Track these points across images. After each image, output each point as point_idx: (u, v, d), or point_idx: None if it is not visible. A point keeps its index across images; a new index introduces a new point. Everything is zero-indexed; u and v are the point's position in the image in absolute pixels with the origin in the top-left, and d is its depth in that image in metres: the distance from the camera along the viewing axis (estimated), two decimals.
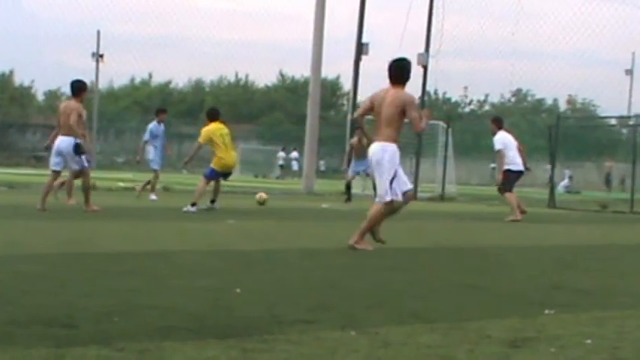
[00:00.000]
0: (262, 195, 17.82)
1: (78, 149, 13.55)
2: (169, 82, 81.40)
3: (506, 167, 16.27)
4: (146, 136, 18.83)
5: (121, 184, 24.18)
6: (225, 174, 15.57)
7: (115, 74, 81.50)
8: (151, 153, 18.83)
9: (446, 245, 10.54)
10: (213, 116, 15.46)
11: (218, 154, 15.06)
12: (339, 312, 5.05)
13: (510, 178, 16.46)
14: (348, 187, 21.79)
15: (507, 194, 16.37)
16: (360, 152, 21.01)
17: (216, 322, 4.57)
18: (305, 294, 5.78)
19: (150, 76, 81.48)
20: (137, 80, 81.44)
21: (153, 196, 18.19)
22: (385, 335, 4.38)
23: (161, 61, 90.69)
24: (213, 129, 15.12)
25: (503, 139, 16.40)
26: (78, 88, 13.87)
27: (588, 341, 4.44)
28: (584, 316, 5.29)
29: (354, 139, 21.79)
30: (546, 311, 5.34)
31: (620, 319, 5.20)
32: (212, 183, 15.26)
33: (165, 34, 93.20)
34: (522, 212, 16.18)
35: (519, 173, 16.63)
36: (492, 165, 28.44)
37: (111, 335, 4.08)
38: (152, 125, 18.82)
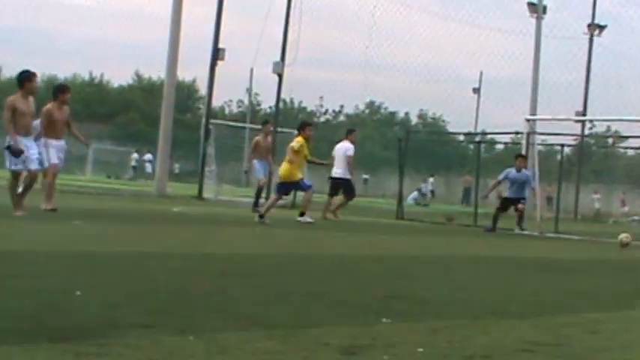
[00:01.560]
0: None
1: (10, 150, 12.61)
2: None
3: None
4: None
5: None
6: (283, 185, 16.61)
7: None
8: None
9: (291, 253, 10.64)
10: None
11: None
12: (179, 317, 5.05)
13: (331, 184, 20.27)
14: (259, 192, 21.25)
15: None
16: (265, 152, 21.13)
17: (53, 325, 4.49)
18: (146, 298, 5.75)
19: None
20: None
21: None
22: (223, 340, 4.41)
23: (13, 56, 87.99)
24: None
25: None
26: (18, 79, 13.02)
27: (420, 349, 4.59)
28: (419, 325, 5.46)
29: (259, 137, 21.49)
30: (384, 320, 5.48)
31: (453, 329, 5.38)
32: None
33: (17, 27, 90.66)
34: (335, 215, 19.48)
35: (335, 180, 20.16)
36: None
37: None
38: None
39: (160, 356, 3.94)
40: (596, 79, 32.01)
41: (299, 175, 16.34)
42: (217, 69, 27.94)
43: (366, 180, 59.20)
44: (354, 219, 20.91)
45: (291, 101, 68.62)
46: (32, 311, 4.84)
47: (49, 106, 14.22)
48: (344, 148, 20.22)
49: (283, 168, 16.40)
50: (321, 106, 77.29)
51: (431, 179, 55.23)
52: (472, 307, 6.63)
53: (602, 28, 33.92)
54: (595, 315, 6.62)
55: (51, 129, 14.13)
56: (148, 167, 54.22)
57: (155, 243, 10.43)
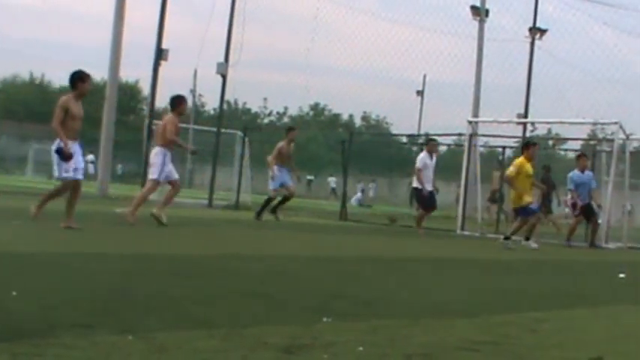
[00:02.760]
0: None
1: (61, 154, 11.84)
2: None
3: None
4: None
5: None
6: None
7: None
8: None
9: (233, 253, 10.61)
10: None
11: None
12: (118, 317, 5.00)
13: None
14: (269, 201, 19.65)
15: None
16: (287, 159, 19.81)
17: None
18: (85, 298, 5.68)
19: None
20: None
21: None
22: (162, 340, 4.37)
23: None
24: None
25: None
26: (71, 79, 12.24)
27: (360, 348, 4.60)
28: (360, 324, 5.47)
29: (283, 143, 19.69)
30: (324, 319, 5.48)
31: (394, 328, 5.41)
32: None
33: None
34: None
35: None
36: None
37: None
38: None
39: (97, 356, 3.90)
40: (537, 81, 32.34)
41: None
42: (161, 70, 27.77)
43: (310, 181, 59.33)
44: (298, 220, 20.92)
45: (236, 102, 68.50)
46: None
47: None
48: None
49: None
50: (265, 107, 77.28)
51: (372, 184, 55.50)
52: (413, 307, 6.68)
53: (543, 31, 34.29)
54: (535, 314, 6.70)
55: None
56: (90, 168, 53.69)
57: (96, 244, 10.32)
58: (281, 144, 19.48)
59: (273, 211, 19.09)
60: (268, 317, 5.53)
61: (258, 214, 18.95)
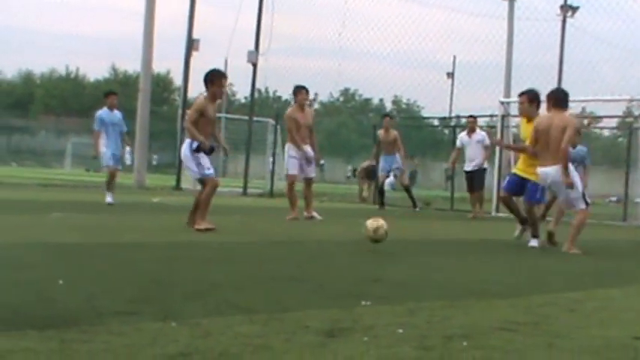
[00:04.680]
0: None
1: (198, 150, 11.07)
2: None
3: None
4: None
5: None
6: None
7: None
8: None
9: (270, 239, 10.69)
10: None
11: None
12: (160, 304, 5.09)
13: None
14: (382, 190, 20.76)
15: None
16: (389, 147, 20.43)
17: (36, 314, 4.53)
18: (128, 286, 5.79)
19: None
20: None
21: None
22: (206, 326, 4.46)
23: None
24: None
25: None
26: (205, 79, 11.32)
27: (400, 331, 4.65)
28: (398, 307, 5.52)
29: (380, 131, 20.73)
30: (363, 302, 5.54)
31: (432, 310, 5.45)
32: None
33: None
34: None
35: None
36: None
37: None
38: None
39: (143, 342, 3.98)
40: (569, 59, 32.15)
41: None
42: (192, 60, 27.96)
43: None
44: (330, 204, 21.00)
45: (266, 90, 68.62)
46: (14, 301, 4.87)
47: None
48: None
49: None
50: None
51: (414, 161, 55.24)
52: (450, 289, 6.72)
53: (575, 9, 34.06)
54: (573, 294, 6.71)
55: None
56: (127, 159, 54.02)
57: (135, 233, 10.44)
58: (379, 132, 20.57)
59: None
60: (308, 301, 5.60)
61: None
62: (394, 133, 20.58)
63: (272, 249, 9.48)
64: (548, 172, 10.69)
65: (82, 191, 21.22)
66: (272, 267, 7.57)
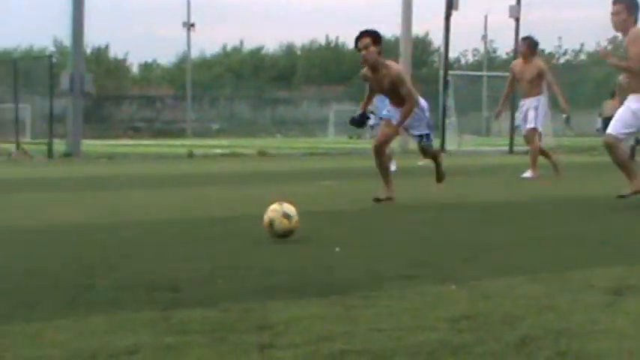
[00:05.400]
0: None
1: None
2: (261, 48, 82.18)
3: None
4: None
5: (218, 151, 24.52)
6: None
7: (206, 42, 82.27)
8: None
9: (539, 196, 10.40)
10: None
11: None
12: (437, 267, 5.07)
13: None
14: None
15: None
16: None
17: (317, 281, 4.63)
18: (402, 250, 5.81)
19: (241, 42, 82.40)
20: (229, 47, 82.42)
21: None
22: (485, 288, 4.38)
23: (252, 27, 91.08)
24: None
25: None
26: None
27: None
28: None
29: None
30: None
31: None
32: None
33: (254, 1, 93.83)
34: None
35: None
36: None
37: (214, 297, 4.16)
38: None
39: (425, 305, 3.96)
40: None
41: None
42: (452, 19, 27.72)
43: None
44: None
45: None
46: (295, 269, 4.99)
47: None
48: None
49: None
50: (560, 47, 75.03)
51: None
52: None
53: None
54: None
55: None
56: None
57: (403, 196, 10.47)
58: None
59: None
60: (589, 259, 5.39)
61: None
62: None
63: (544, 206, 9.22)
64: None
65: (347, 159, 21.58)
66: (548, 225, 7.37)
